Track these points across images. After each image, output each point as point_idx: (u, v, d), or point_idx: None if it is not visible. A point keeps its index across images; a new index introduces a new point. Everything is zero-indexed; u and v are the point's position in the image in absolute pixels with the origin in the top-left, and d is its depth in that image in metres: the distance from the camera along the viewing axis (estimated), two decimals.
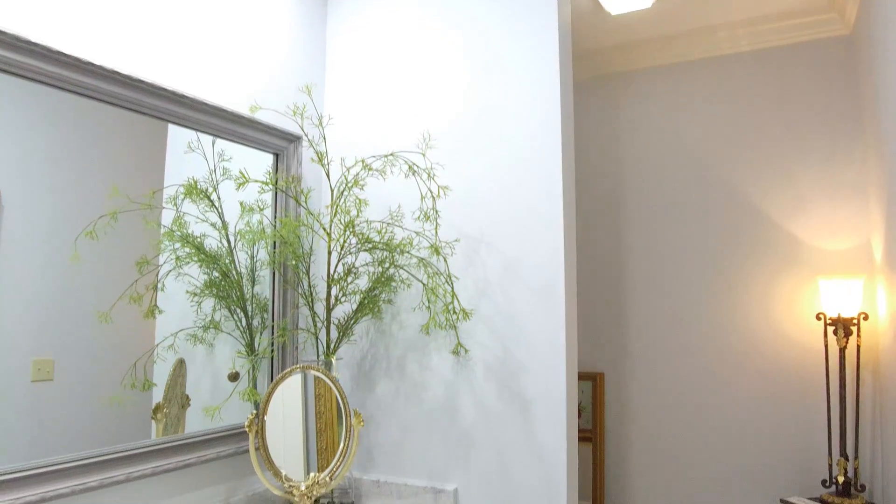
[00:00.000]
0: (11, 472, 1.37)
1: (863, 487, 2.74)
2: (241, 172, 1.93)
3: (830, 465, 2.84)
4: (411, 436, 2.14)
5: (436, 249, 2.04)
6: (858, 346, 2.81)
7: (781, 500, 2.85)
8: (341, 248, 2.04)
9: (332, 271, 2.04)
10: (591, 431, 3.47)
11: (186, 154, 1.89)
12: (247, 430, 1.73)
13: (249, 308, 2.03)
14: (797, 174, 3.15)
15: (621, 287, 3.54)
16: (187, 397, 1.85)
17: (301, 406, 1.98)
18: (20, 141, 1.47)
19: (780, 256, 3.16)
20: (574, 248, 2.08)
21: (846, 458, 2.75)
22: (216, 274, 1.93)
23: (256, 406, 1.94)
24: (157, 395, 1.76)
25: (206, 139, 1.93)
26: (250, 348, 2.02)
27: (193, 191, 1.87)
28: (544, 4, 2.04)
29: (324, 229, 2.06)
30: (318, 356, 2.06)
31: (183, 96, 1.79)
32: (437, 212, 2.04)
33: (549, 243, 1.98)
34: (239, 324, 2.00)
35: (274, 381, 1.85)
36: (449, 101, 2.17)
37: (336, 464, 1.83)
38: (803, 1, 3.01)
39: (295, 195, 2.13)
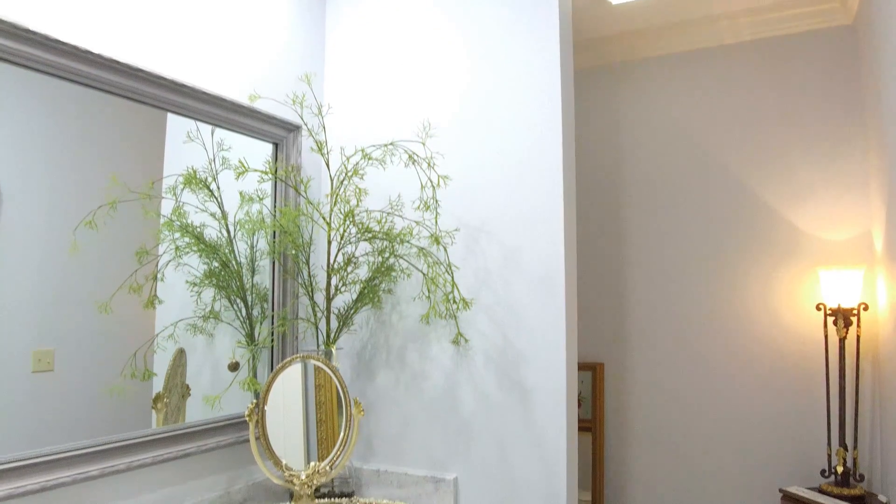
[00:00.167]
0: (12, 462, 1.37)
1: (862, 477, 2.75)
2: (240, 162, 1.93)
3: (829, 456, 2.84)
4: (411, 425, 2.14)
5: (436, 239, 2.04)
6: (858, 337, 2.81)
7: (780, 490, 2.86)
8: (341, 238, 2.04)
9: (331, 261, 2.04)
10: (590, 421, 3.47)
11: (186, 143, 1.88)
12: (247, 419, 1.73)
13: (249, 298, 2.03)
14: (798, 164, 3.15)
15: (621, 277, 3.53)
16: (187, 387, 1.85)
17: (301, 395, 1.98)
18: (19, 130, 1.46)
19: (781, 247, 3.16)
20: (574, 238, 2.08)
21: (845, 449, 2.75)
22: (216, 264, 1.93)
23: (257, 396, 1.94)
24: (158, 385, 1.76)
25: (206, 128, 1.92)
26: (250, 338, 2.02)
27: (193, 180, 1.86)
28: None
29: (323, 219, 2.05)
30: (318, 346, 2.06)
31: (182, 85, 1.79)
32: (437, 201, 2.04)
33: (549, 233, 1.98)
34: (239, 314, 2.00)
35: (274, 370, 1.86)
36: (449, 90, 2.16)
37: (336, 453, 1.84)
38: None
39: (294, 185, 2.13)
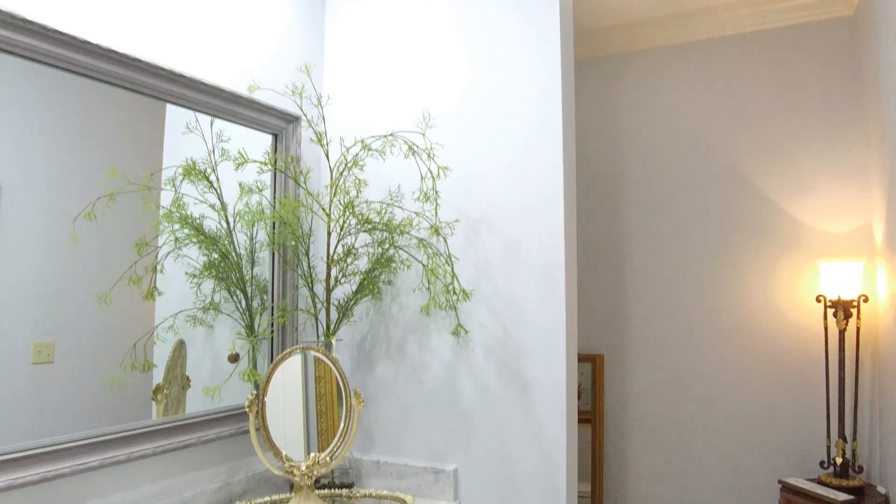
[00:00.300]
0: (12, 453, 1.37)
1: (860, 469, 2.75)
2: (239, 153, 1.92)
3: (829, 447, 2.85)
4: (411, 417, 2.14)
5: (436, 230, 2.04)
6: (858, 329, 2.81)
7: (780, 481, 2.87)
8: (341, 229, 2.04)
9: (331, 252, 2.03)
10: (590, 413, 3.48)
11: (185, 135, 1.87)
12: (247, 410, 1.73)
13: (249, 289, 2.03)
14: (798, 156, 3.14)
15: (621, 269, 3.53)
16: (187, 378, 1.85)
17: (301, 386, 1.98)
18: (17, 121, 1.46)
19: (781, 239, 3.16)
20: (574, 230, 2.08)
21: (844, 440, 2.76)
22: (215, 255, 1.93)
23: (256, 387, 1.94)
24: (157, 377, 1.76)
25: (205, 119, 1.92)
26: (250, 329, 2.02)
27: (192, 172, 1.86)
28: None
29: (323, 210, 2.05)
30: (318, 337, 2.06)
31: (180, 75, 1.78)
32: (436, 192, 2.03)
33: (549, 224, 1.97)
34: (238, 305, 2.00)
35: (274, 361, 1.85)
36: (449, 80, 2.16)
37: (336, 444, 1.84)
38: None
39: (294, 176, 2.12)
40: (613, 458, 3.50)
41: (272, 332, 2.09)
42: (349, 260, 2.07)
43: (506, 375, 2.01)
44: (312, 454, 1.80)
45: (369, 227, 2.06)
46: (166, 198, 1.81)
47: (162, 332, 1.76)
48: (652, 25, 3.43)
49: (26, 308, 1.47)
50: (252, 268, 2.06)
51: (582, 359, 3.43)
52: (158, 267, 1.76)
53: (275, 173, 2.12)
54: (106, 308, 1.61)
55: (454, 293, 2.01)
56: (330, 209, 2.03)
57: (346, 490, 2.02)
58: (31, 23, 1.41)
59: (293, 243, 2.07)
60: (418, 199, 2.05)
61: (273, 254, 2.11)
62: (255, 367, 2.00)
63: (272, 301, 2.10)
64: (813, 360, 3.02)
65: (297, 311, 2.16)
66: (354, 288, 2.10)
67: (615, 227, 3.56)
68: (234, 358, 1.98)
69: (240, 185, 2.01)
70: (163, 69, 1.73)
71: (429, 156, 2.04)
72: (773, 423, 3.12)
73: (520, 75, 2.04)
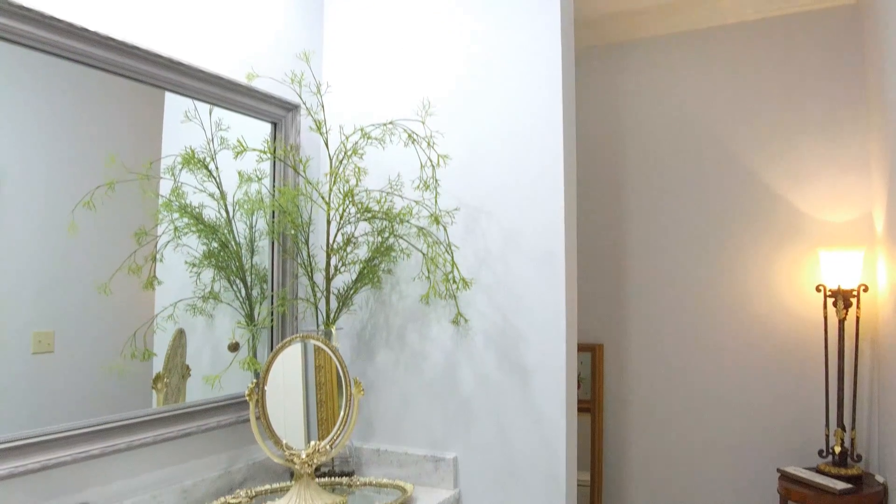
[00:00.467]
0: (13, 441, 1.37)
1: (859, 457, 2.76)
2: (238, 141, 1.91)
3: (827, 436, 2.86)
4: (411, 405, 2.15)
5: (435, 218, 2.03)
6: (858, 318, 2.81)
7: (778, 470, 2.88)
8: (340, 218, 2.04)
9: (331, 241, 2.03)
10: (589, 402, 3.49)
11: (183, 123, 1.87)
12: (247, 399, 1.73)
13: (249, 278, 2.03)
14: (799, 145, 3.13)
15: (621, 258, 3.53)
16: (187, 367, 1.85)
17: (301, 375, 1.99)
18: (15, 110, 1.45)
19: (781, 228, 3.15)
20: (574, 219, 2.07)
21: (843, 429, 2.77)
22: (215, 244, 1.93)
23: (257, 375, 1.95)
24: (158, 366, 1.76)
25: (204, 108, 1.91)
26: (250, 318, 2.02)
27: (191, 160, 1.85)
28: None
29: (323, 199, 2.04)
30: (317, 326, 2.06)
31: (179, 63, 1.77)
32: (436, 181, 2.03)
33: (549, 213, 1.97)
34: (238, 294, 2.00)
35: (274, 350, 1.85)
36: (448, 68, 2.14)
37: (336, 432, 1.84)
38: None
39: (293, 164, 2.11)
40: (613, 447, 3.51)
41: (272, 321, 2.09)
42: (349, 249, 2.07)
43: (506, 364, 2.01)
44: (313, 442, 1.80)
45: (369, 215, 2.06)
46: (165, 187, 1.80)
47: (162, 321, 1.76)
48: (653, 13, 3.41)
49: (26, 298, 1.46)
50: (252, 257, 2.05)
51: (582, 348, 3.44)
52: (158, 256, 1.76)
53: (274, 162, 2.11)
54: (106, 297, 1.61)
55: (454, 282, 2.01)
56: (329, 198, 2.02)
57: (347, 478, 2.03)
58: (29, 10, 1.40)
59: (293, 232, 2.06)
60: (418, 187, 2.04)
61: (273, 243, 2.11)
62: (254, 356, 2.00)
63: (272, 290, 2.10)
64: (812, 349, 3.03)
65: (296, 300, 2.16)
66: (354, 277, 2.10)
67: (615, 215, 3.55)
68: (234, 347, 1.99)
69: (239, 173, 2.00)
70: (161, 57, 1.72)
71: (428, 144, 2.03)
72: (773, 411, 3.13)
73: (520, 63, 2.03)
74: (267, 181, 2.10)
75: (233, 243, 1.97)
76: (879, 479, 2.65)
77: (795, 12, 3.15)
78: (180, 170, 1.83)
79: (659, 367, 3.41)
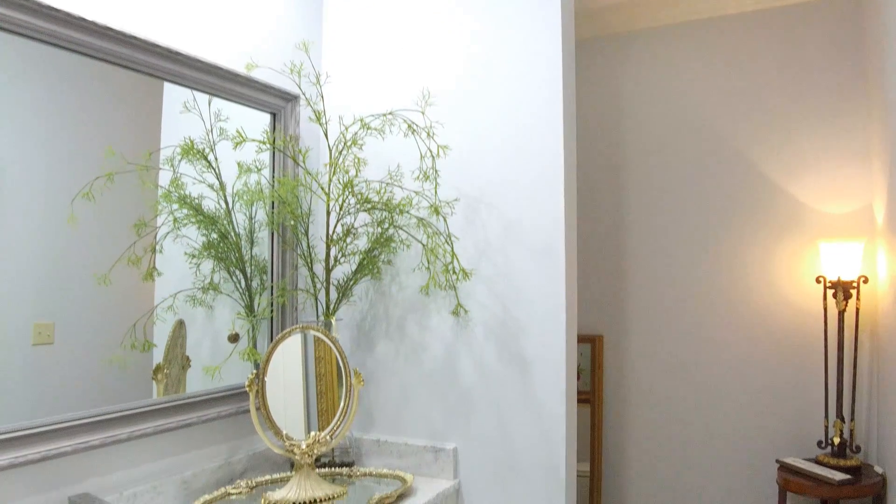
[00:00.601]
0: (14, 431, 1.37)
1: (858, 448, 2.77)
2: (238, 132, 1.91)
3: (826, 427, 2.86)
4: (411, 396, 2.15)
5: (435, 209, 2.03)
6: (857, 310, 2.81)
7: (777, 461, 2.89)
8: (340, 209, 2.03)
9: (330, 232, 2.03)
10: (589, 393, 3.49)
11: (182, 114, 1.86)
12: (247, 389, 1.73)
13: (248, 269, 2.03)
14: (800, 136, 3.12)
15: (621, 249, 3.53)
16: (187, 358, 1.85)
17: (301, 366, 1.99)
18: (12, 100, 1.44)
19: (782, 219, 3.15)
20: (574, 210, 2.07)
21: (842, 420, 2.77)
22: (214, 235, 1.92)
23: (257, 366, 1.95)
24: (158, 357, 1.76)
25: (203, 98, 1.90)
26: (250, 310, 2.02)
27: (190, 151, 1.84)
28: None
29: (322, 189, 2.04)
30: (317, 317, 2.06)
31: (177, 53, 1.76)
32: (436, 171, 2.02)
33: (549, 204, 1.96)
34: (238, 285, 2.00)
35: (274, 340, 1.86)
36: (448, 59, 2.14)
37: (336, 423, 1.85)
38: None
39: (293, 155, 2.11)
40: (612, 438, 3.52)
41: (272, 311, 2.09)
42: (348, 240, 2.06)
43: (505, 355, 2.01)
44: (313, 433, 1.80)
45: (369, 206, 2.06)
46: (165, 178, 1.80)
47: (161, 312, 1.76)
48: (653, 4, 3.40)
49: (26, 289, 1.46)
50: (251, 248, 2.05)
51: (581, 339, 3.44)
52: (157, 247, 1.76)
53: (273, 152, 2.11)
54: (105, 288, 1.61)
55: (454, 273, 2.01)
56: (329, 188, 2.02)
57: (347, 469, 2.03)
58: None
59: (292, 223, 2.06)
60: (418, 178, 2.04)
61: (272, 234, 2.11)
62: (254, 346, 2.00)
63: (271, 281, 2.10)
64: (812, 340, 3.03)
65: (296, 290, 2.15)
66: (354, 268, 2.10)
67: (615, 207, 3.55)
68: (233, 338, 1.99)
69: (238, 164, 2.00)
70: (160, 47, 1.71)
71: (428, 135, 2.02)
72: (772, 403, 3.14)
73: (520, 54, 2.02)
74: (266, 172, 2.09)
75: (232, 234, 1.97)
76: (878, 470, 2.66)
77: (796, 3, 3.14)
78: (179, 161, 1.83)
79: (659, 359, 3.42)
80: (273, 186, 2.07)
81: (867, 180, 2.96)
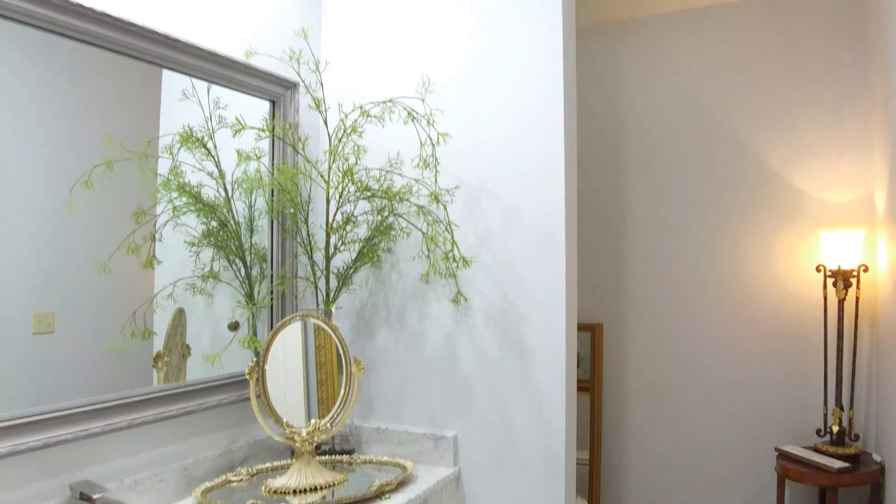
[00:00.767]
0: (15, 419, 1.37)
1: (857, 437, 2.78)
2: (237, 119, 1.90)
3: (825, 415, 2.87)
4: (411, 384, 2.15)
5: (435, 197, 2.02)
6: (857, 298, 2.81)
7: (776, 449, 2.90)
8: (340, 197, 2.03)
9: (330, 220, 2.02)
10: (589, 382, 3.50)
11: (181, 102, 1.85)
12: (247, 377, 1.74)
13: (248, 258, 2.02)
14: (801, 125, 3.11)
15: (622, 238, 3.53)
16: (188, 347, 1.85)
17: (301, 354, 1.99)
18: (10, 87, 1.43)
19: (782, 208, 3.14)
20: (575, 198, 2.06)
21: (841, 409, 2.78)
22: (214, 223, 1.92)
23: (257, 354, 1.95)
24: (158, 345, 1.76)
25: (201, 86, 1.89)
26: (249, 298, 2.02)
27: (189, 139, 1.84)
28: None
29: (322, 177, 2.03)
30: (317, 305, 2.06)
31: (176, 40, 1.75)
32: (436, 159, 2.01)
33: (550, 192, 1.96)
34: (238, 274, 2.00)
35: (274, 328, 1.86)
36: (449, 46, 2.12)
37: (337, 410, 1.85)
38: None
39: (292, 142, 2.10)
40: (611, 426, 3.53)
41: (271, 300, 2.09)
42: (348, 228, 2.06)
43: (505, 343, 2.01)
44: (313, 420, 1.81)
45: (368, 194, 2.05)
46: (164, 166, 1.79)
47: (161, 300, 1.76)
48: None
49: (26, 278, 1.46)
50: (251, 236, 2.05)
51: (581, 328, 3.44)
52: (157, 235, 1.75)
53: (273, 140, 2.10)
54: (105, 277, 1.61)
55: (454, 261, 2.00)
56: (329, 176, 2.01)
57: (347, 456, 2.04)
58: None
59: (292, 211, 2.06)
60: (418, 166, 2.03)
61: (272, 222, 2.10)
62: (254, 334, 2.00)
63: (271, 269, 2.10)
64: (811, 329, 3.03)
65: (296, 279, 2.15)
66: (354, 256, 2.10)
67: (616, 195, 3.54)
68: (233, 326, 1.99)
69: (238, 152, 1.99)
70: (158, 34, 1.70)
71: (428, 122, 2.02)
72: (771, 391, 3.14)
73: (521, 41, 2.01)
74: (266, 160, 2.09)
75: (232, 222, 1.96)
76: (876, 458, 2.67)
77: None
78: (178, 148, 1.82)
79: (658, 347, 3.42)
80: (272, 174, 2.07)
81: (868, 169, 2.96)
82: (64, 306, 1.53)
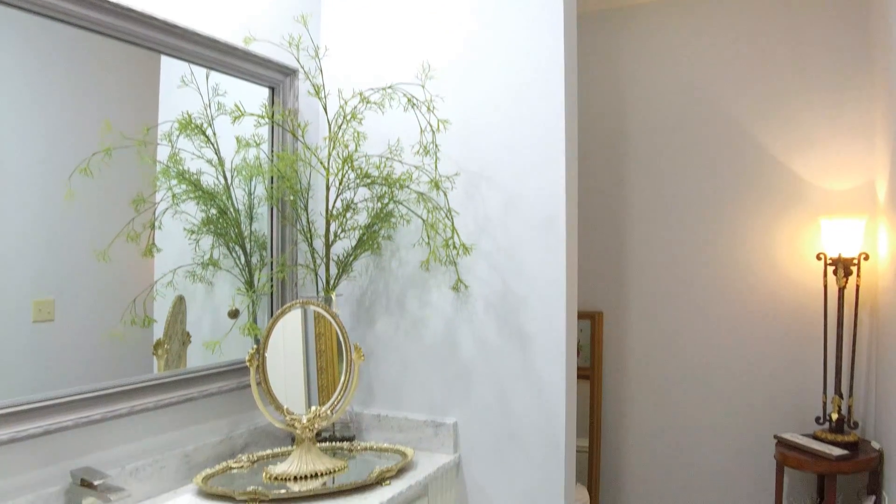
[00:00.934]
0: (15, 406, 1.37)
1: (856, 424, 2.78)
2: (236, 106, 1.89)
3: (825, 403, 2.88)
4: (412, 371, 2.15)
5: (435, 184, 2.02)
6: (857, 286, 2.81)
7: (775, 436, 2.91)
8: (340, 183, 2.02)
9: (330, 207, 2.02)
10: (589, 369, 3.50)
11: (180, 88, 1.84)
12: (248, 364, 1.74)
13: (248, 245, 2.02)
14: (802, 113, 3.10)
15: (622, 226, 3.52)
16: (188, 334, 1.85)
17: (301, 341, 1.99)
18: (7, 74, 1.42)
19: (783, 195, 3.14)
20: (575, 185, 2.06)
21: (841, 396, 2.78)
22: (213, 211, 1.92)
23: (257, 341, 1.95)
24: (158, 332, 1.76)
25: (200, 72, 1.88)
26: (249, 285, 2.02)
27: (188, 126, 1.83)
28: None
29: (321, 164, 2.03)
30: (317, 292, 2.06)
31: (175, 26, 1.73)
32: (436, 146, 2.01)
33: (550, 179, 1.95)
34: (238, 261, 1.99)
35: (274, 316, 1.86)
36: (449, 32, 2.11)
37: (337, 397, 1.85)
38: None
39: (292, 129, 2.09)
40: (611, 413, 3.54)
41: (271, 287, 2.09)
42: (348, 215, 2.06)
43: (506, 330, 2.01)
44: (314, 407, 1.81)
45: (368, 181, 2.04)
46: (163, 153, 1.78)
47: (161, 288, 1.76)
48: None
49: (25, 266, 1.46)
50: (251, 223, 2.04)
51: (581, 316, 3.44)
52: (156, 223, 1.75)
53: (272, 127, 2.09)
54: (105, 265, 1.60)
55: (454, 248, 2.00)
56: (328, 163, 2.01)
57: (347, 443, 2.05)
58: None
59: (292, 198, 2.05)
60: (418, 152, 2.02)
61: (272, 209, 2.10)
62: (254, 322, 2.00)
63: (271, 256, 2.10)
64: (811, 317, 3.03)
65: (296, 266, 2.15)
66: (354, 243, 2.09)
67: (616, 182, 3.53)
68: (233, 314, 1.99)
69: (237, 139, 1.98)
70: (156, 19, 1.68)
71: (428, 108, 2.01)
72: (771, 378, 3.15)
73: (522, 27, 2.00)
74: (265, 147, 2.08)
75: (231, 210, 1.96)
76: (875, 445, 2.68)
77: None
78: (177, 136, 1.81)
79: (658, 335, 3.42)
80: (272, 161, 2.06)
81: (869, 157, 2.95)
82: (64, 294, 1.53)
